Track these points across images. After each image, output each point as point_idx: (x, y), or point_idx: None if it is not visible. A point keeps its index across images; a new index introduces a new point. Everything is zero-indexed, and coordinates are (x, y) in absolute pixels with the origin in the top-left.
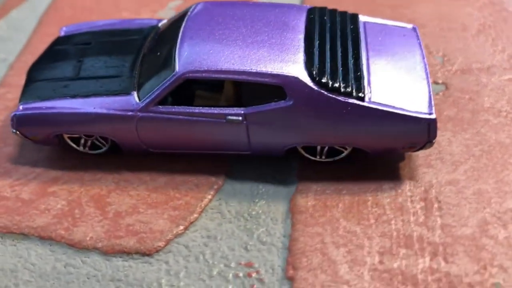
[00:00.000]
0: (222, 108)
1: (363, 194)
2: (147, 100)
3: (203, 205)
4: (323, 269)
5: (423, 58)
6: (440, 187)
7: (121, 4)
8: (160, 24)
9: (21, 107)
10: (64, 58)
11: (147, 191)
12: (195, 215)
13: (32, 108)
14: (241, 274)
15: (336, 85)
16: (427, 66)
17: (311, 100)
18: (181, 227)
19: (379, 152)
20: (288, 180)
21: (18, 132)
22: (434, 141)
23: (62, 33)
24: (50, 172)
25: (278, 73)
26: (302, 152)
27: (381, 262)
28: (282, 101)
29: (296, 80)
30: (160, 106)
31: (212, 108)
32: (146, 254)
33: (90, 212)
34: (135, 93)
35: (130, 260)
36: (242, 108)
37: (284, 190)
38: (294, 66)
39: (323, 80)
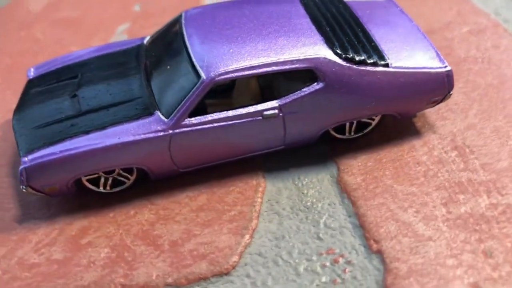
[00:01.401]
0: (256, 105)
1: (401, 157)
2: (178, 115)
3: (257, 210)
4: (403, 233)
5: (412, 21)
6: (462, 134)
7: (65, 41)
8: (145, 41)
9: (27, 159)
10: (51, 98)
11: (192, 212)
12: (254, 221)
13: (43, 156)
14: (327, 263)
15: (362, 57)
16: (419, 27)
17: (342, 77)
18: (247, 237)
19: (407, 113)
20: (326, 164)
21: (29, 188)
22: (452, 92)
23: (32, 75)
24: (73, 223)
25: (306, 57)
26: (334, 133)
27: (448, 211)
28: (315, 84)
29: (325, 60)
30: (191, 119)
31: (247, 107)
32: (223, 273)
33: (142, 250)
34: (158, 112)
35: (210, 285)
36: (276, 101)
37: (326, 174)
38: (318, 48)
39: (349, 55)
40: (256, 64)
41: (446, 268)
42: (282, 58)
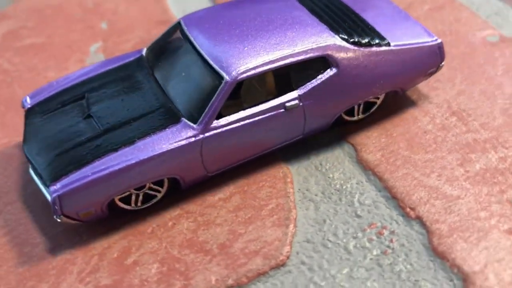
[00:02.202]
0: (278, 98)
1: (409, 129)
2: (206, 118)
3: (292, 200)
4: (434, 197)
5: (393, 3)
6: (455, 100)
7: (39, 67)
8: (143, 53)
9: (56, 186)
10: (62, 122)
11: (230, 213)
12: (293, 211)
13: (75, 180)
14: (373, 237)
15: (366, 40)
16: (400, 8)
17: (353, 60)
18: (291, 226)
19: (408, 87)
20: (342, 147)
21: (63, 217)
22: (443, 62)
23: (29, 103)
24: (111, 246)
25: (318, 45)
26: (345, 116)
27: (466, 171)
28: (328, 70)
29: (335, 46)
30: (219, 121)
31: (269, 101)
32: (280, 265)
33: (193, 258)
34: (184, 119)
35: (270, 279)
36: (296, 91)
37: (345, 156)
38: (326, 36)
39: (355, 40)
40: (274, 58)
41: (481, 220)
42: (296, 49)
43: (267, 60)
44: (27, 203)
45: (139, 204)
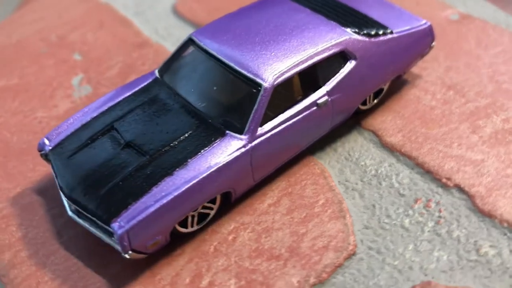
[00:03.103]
0: (309, 98)
1: (418, 108)
2: (252, 127)
3: (337, 193)
4: (463, 164)
5: None
6: (446, 76)
7: (24, 108)
8: (157, 75)
9: (119, 223)
10: (98, 158)
11: (285, 216)
12: (344, 203)
13: (139, 212)
14: (423, 211)
15: (373, 31)
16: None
17: (367, 51)
18: (347, 217)
19: (408, 69)
20: (363, 135)
21: (133, 253)
22: (434, 42)
23: (50, 145)
24: (179, 273)
25: (336, 41)
26: (361, 106)
27: (480, 136)
28: (348, 63)
29: (351, 40)
30: (262, 128)
31: (302, 101)
32: (351, 254)
33: (266, 267)
34: (229, 132)
35: (346, 269)
36: (323, 88)
37: (369, 143)
38: (339, 32)
39: (365, 32)
40: (302, 59)
41: (510, 177)
42: (319, 47)
43: (296, 62)
44: (69, 249)
45: (194, 225)
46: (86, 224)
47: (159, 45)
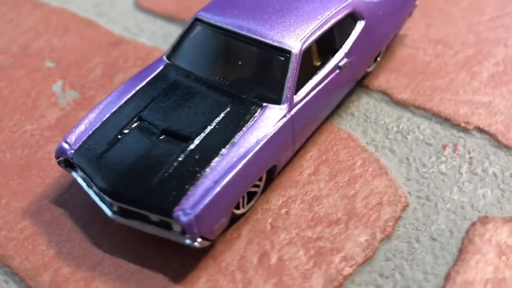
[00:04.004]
0: (331, 62)
1: (415, 66)
2: (288, 95)
3: (370, 152)
4: (475, 107)
5: None
6: (428, 32)
7: (8, 124)
8: (164, 59)
9: (183, 211)
10: (135, 151)
11: (329, 182)
12: (380, 160)
13: (201, 197)
14: (454, 155)
15: None
16: None
17: (372, 11)
18: (389, 171)
19: (401, 28)
20: (373, 96)
21: (202, 240)
22: (417, 1)
23: (72, 147)
24: (245, 256)
25: (346, 3)
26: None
27: (480, 81)
28: (358, 24)
29: (358, 1)
30: (297, 95)
31: (326, 66)
32: (405, 206)
33: (330, 232)
34: (266, 104)
35: (405, 221)
36: (341, 51)
37: (381, 102)
38: None
39: None
40: (321, 22)
41: None
42: (333, 10)
43: (317, 25)
44: (116, 256)
45: (245, 205)
46: (135, 223)
47: (135, 41)
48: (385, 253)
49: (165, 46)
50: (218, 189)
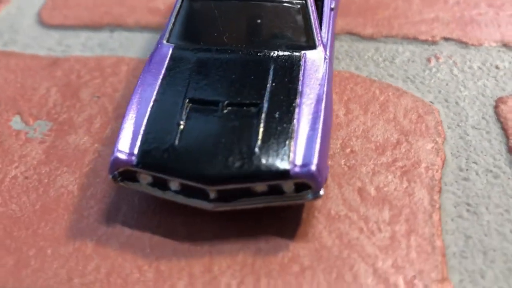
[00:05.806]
0: (325, 5)
1: (365, 8)
2: (319, 37)
3: (384, 81)
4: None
5: None
6: None
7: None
8: (167, 43)
9: (303, 163)
10: (209, 135)
11: (363, 115)
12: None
13: (310, 147)
14: (440, 62)
15: None
16: None
17: None
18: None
19: None
20: (342, 39)
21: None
22: None
23: (133, 155)
24: (322, 234)
25: None
26: None
27: (425, 7)
28: None
29: None
30: (322, 36)
31: (324, 10)
32: (439, 112)
33: (398, 153)
34: (304, 52)
35: (447, 124)
36: None
37: (355, 41)
38: None
39: None
40: None
41: None
42: None
43: None
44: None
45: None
46: (241, 202)
47: (73, 56)
48: (451, 152)
49: (111, 52)
50: (319, 133)
